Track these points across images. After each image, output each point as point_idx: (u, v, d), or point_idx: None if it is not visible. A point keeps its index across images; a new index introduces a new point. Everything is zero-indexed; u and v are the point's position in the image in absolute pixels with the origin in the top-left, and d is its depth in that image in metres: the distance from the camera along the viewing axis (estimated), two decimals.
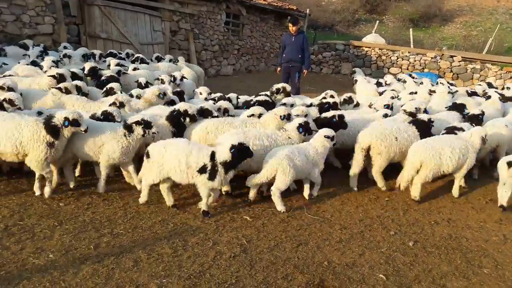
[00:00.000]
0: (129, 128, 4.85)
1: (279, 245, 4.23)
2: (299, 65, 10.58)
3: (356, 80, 11.78)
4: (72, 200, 4.84)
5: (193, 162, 4.50)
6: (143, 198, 4.84)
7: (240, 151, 4.53)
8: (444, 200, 5.84)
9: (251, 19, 18.49)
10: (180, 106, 5.55)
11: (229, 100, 7.18)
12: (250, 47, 18.77)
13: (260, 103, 6.57)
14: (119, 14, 13.19)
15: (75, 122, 4.59)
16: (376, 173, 5.83)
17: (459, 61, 18.04)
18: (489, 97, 8.75)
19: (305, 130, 5.44)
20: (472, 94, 9.97)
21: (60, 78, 6.61)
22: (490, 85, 11.72)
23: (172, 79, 8.25)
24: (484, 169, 7.12)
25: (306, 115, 6.11)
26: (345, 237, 4.55)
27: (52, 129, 4.53)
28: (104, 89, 6.85)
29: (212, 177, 4.50)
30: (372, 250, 4.31)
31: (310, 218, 4.93)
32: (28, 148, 4.50)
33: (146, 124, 4.84)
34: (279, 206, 4.99)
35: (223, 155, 4.50)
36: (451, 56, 18.29)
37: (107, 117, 5.34)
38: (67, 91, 6.23)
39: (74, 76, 7.18)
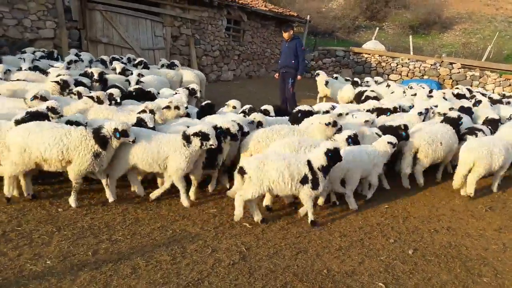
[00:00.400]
0: (187, 139, 4.83)
1: (278, 252, 4.21)
2: (293, 71, 10.58)
3: (327, 82, 12.09)
4: (71, 205, 4.81)
5: (296, 173, 4.56)
6: (238, 214, 4.67)
7: (335, 154, 4.71)
8: (444, 208, 5.83)
9: (252, 25, 18.54)
10: (223, 123, 5.23)
11: (267, 112, 7.02)
12: (250, 53, 18.82)
13: (303, 113, 6.51)
14: (121, 19, 13.23)
15: (124, 133, 4.61)
16: (419, 171, 6.39)
17: (458, 68, 18.09)
18: (480, 102, 9.50)
19: (354, 142, 5.58)
20: (461, 97, 10.41)
21: (63, 84, 6.57)
22: (469, 90, 12.12)
23: (190, 91, 8.01)
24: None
25: (372, 122, 6.60)
26: (345, 244, 4.53)
27: (102, 140, 4.56)
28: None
29: (315, 186, 4.62)
30: (372, 258, 4.29)
31: (310, 225, 4.91)
32: (73, 155, 4.52)
33: (203, 136, 4.78)
34: (352, 205, 5.42)
35: (320, 160, 4.64)
36: (451, 63, 18.34)
37: (139, 123, 5.29)
38: (99, 101, 6.17)
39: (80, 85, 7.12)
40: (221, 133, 5.10)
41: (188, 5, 15.12)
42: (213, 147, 4.87)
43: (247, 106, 7.14)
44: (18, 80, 7.05)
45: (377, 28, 26.88)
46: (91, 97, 6.16)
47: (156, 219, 4.69)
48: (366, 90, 11.18)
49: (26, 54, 8.81)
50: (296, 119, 6.40)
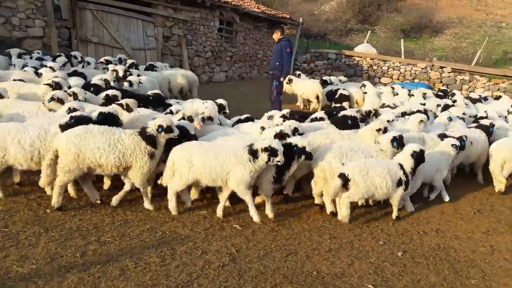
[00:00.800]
0: (254, 154, 4.70)
1: (268, 254, 4.20)
2: (278, 73, 10.54)
3: (290, 80, 12.29)
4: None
5: (394, 177, 4.98)
6: (346, 215, 5.02)
7: (420, 155, 5.17)
8: (433, 210, 5.87)
9: (245, 27, 18.53)
10: (298, 142, 4.98)
11: (323, 120, 7.00)
12: (243, 54, 18.80)
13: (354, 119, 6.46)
14: (112, 19, 13.13)
15: (168, 129, 4.67)
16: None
17: (448, 72, 18.26)
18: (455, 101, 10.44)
19: (399, 144, 5.53)
20: (443, 96, 11.60)
21: (55, 87, 6.38)
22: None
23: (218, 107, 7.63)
24: (471, 179, 7.22)
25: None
26: (335, 246, 4.54)
27: (150, 139, 4.63)
28: (105, 96, 6.59)
29: (407, 186, 5.12)
30: (361, 260, 4.31)
31: (300, 227, 4.92)
32: (131, 160, 4.56)
33: (272, 152, 4.65)
34: (409, 207, 5.68)
35: (409, 162, 5.04)
36: (441, 67, 18.51)
37: (180, 131, 5.17)
38: (128, 109, 6.02)
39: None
40: (296, 151, 4.93)
41: (180, 5, 15.06)
42: (279, 163, 4.75)
43: (287, 110, 7.04)
44: (14, 80, 6.91)
45: (369, 32, 27.04)
46: (121, 105, 5.99)
47: (146, 221, 4.65)
48: (338, 89, 11.63)
49: (14, 59, 8.56)
50: (348, 124, 6.31)
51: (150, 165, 4.68)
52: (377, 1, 32.22)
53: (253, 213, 4.89)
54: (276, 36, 10.50)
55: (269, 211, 5.04)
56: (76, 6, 12.05)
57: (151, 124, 4.68)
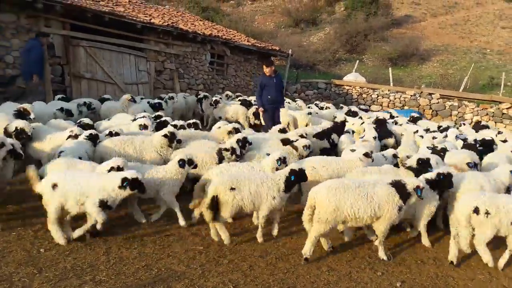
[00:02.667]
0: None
1: None
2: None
3: (217, 102, 12.53)
4: (53, 245, 4.66)
5: None
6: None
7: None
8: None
9: (235, 59, 18.91)
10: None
11: None
12: (234, 86, 19.09)
13: None
14: (104, 55, 13.33)
15: (422, 190, 4.91)
16: None
17: (437, 99, 18.61)
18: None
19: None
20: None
21: (171, 137, 6.44)
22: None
23: None
24: None
25: None
26: (333, 279, 4.50)
27: (407, 196, 4.87)
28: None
29: None
30: None
31: (297, 259, 4.87)
32: (383, 212, 4.77)
33: None
34: None
35: None
36: (430, 94, 18.88)
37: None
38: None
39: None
40: None
41: (172, 40, 15.38)
42: None
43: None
44: None
45: (357, 61, 27.69)
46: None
47: (141, 258, 4.58)
48: None
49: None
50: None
51: (398, 217, 4.87)
52: (364, 31, 33.15)
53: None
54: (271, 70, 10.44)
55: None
56: (70, 44, 12.25)
57: (410, 183, 4.90)
